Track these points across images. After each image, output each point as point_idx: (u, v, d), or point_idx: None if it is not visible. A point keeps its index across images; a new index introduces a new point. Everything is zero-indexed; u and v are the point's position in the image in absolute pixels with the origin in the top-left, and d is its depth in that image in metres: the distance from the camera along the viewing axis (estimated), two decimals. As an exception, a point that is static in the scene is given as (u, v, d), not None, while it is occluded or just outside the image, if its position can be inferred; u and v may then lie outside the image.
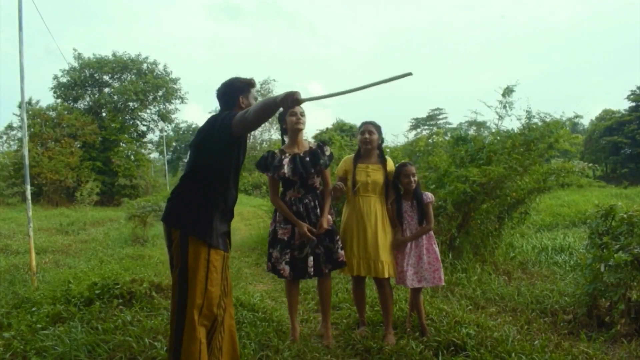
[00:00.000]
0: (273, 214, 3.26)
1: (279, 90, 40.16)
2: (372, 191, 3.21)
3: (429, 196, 3.35)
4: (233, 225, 2.69)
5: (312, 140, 3.43)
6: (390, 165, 3.34)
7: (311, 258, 3.05)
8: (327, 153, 3.19)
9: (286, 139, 3.25)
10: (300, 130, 3.14)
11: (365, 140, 3.24)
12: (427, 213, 3.28)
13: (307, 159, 3.08)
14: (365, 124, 3.31)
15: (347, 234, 3.24)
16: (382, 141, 3.40)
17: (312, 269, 3.06)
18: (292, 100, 1.99)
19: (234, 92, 2.46)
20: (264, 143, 33.34)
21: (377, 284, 3.26)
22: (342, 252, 3.16)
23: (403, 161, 3.53)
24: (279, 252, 3.08)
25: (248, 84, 2.51)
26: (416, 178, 3.31)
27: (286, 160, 3.07)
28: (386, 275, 3.12)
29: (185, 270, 2.24)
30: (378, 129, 3.29)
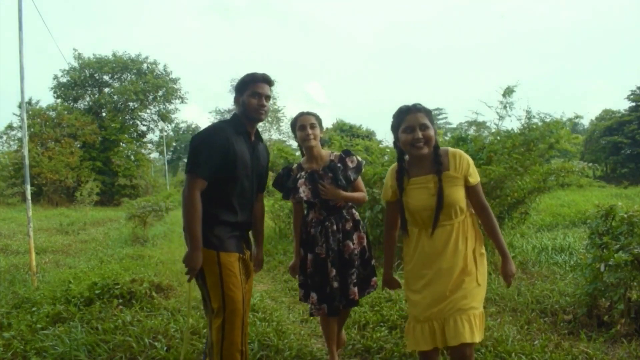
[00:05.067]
0: None
1: (279, 90, 40.07)
2: (446, 218, 2.04)
3: None
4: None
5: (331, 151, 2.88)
6: (464, 162, 2.06)
7: (314, 294, 2.65)
8: (353, 165, 2.71)
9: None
10: (312, 147, 2.68)
11: (416, 140, 2.02)
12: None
13: (330, 174, 2.65)
14: (410, 109, 2.08)
15: (410, 286, 2.15)
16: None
17: (318, 309, 2.65)
18: (188, 264, 2.13)
19: (235, 91, 2.41)
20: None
21: (453, 355, 2.07)
22: (354, 289, 2.64)
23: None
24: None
25: (243, 81, 2.36)
26: None
27: (302, 181, 2.67)
28: (470, 340, 1.95)
29: (202, 274, 2.22)
30: (428, 113, 2.09)
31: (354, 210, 2.76)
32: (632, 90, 29.27)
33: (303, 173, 2.70)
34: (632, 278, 3.12)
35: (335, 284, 2.61)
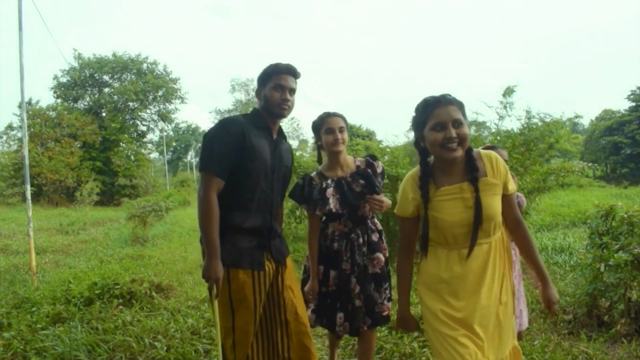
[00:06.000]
0: None
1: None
2: (484, 235, 1.67)
3: (522, 199, 2.41)
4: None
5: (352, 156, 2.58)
6: (501, 166, 1.70)
7: (341, 315, 2.38)
8: (379, 170, 2.45)
9: (323, 156, 2.53)
10: (340, 152, 2.40)
11: (449, 140, 1.60)
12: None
13: (361, 181, 2.37)
14: (440, 101, 1.64)
15: (432, 316, 1.72)
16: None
17: (342, 328, 2.39)
18: (208, 277, 1.90)
19: (257, 83, 2.19)
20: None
21: None
22: (388, 304, 2.40)
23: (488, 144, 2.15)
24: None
25: (265, 72, 2.12)
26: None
27: (330, 191, 2.36)
28: None
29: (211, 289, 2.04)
30: (461, 106, 1.68)
31: (376, 220, 2.51)
32: (632, 90, 29.26)
33: (329, 181, 2.39)
34: (632, 278, 3.13)
35: (358, 302, 2.33)
